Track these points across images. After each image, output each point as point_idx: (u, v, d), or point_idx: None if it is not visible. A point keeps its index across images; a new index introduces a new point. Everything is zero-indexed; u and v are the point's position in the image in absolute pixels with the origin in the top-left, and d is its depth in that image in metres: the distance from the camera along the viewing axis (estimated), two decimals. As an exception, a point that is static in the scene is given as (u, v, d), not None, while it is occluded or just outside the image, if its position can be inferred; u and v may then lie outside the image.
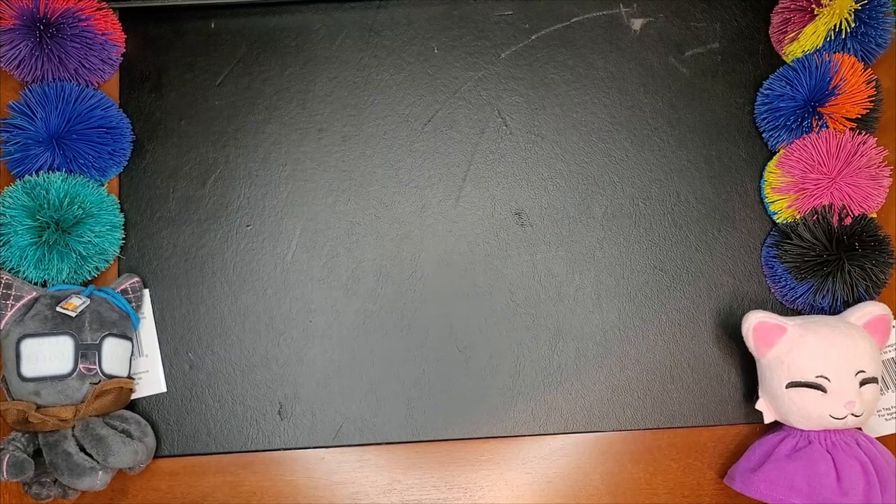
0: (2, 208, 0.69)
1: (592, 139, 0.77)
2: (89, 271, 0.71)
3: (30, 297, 0.66)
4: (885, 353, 0.72)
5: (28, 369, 0.64)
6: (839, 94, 0.73)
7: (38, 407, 0.64)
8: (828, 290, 0.71)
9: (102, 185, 0.73)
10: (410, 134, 0.77)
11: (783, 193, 0.74)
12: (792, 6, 0.76)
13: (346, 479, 0.71)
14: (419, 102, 0.77)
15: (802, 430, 0.67)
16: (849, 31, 0.74)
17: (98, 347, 0.65)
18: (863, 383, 0.65)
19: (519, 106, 0.77)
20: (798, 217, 0.73)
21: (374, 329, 0.73)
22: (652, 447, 0.72)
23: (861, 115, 0.73)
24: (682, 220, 0.76)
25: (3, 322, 0.65)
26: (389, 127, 0.77)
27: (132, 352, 0.70)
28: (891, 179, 0.73)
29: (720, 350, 0.73)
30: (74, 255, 0.69)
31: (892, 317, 0.70)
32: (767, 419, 0.69)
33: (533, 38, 0.79)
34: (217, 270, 0.74)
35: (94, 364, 0.65)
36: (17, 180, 0.70)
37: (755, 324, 0.67)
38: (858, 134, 0.73)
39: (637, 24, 0.79)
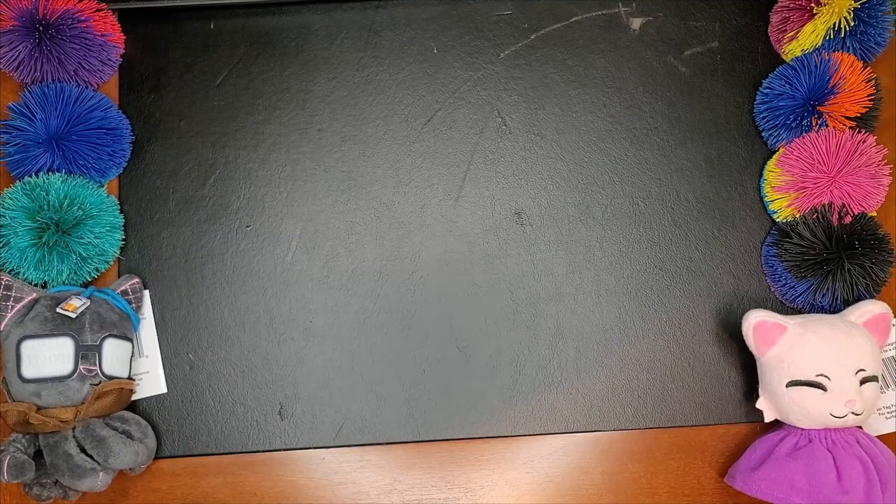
0: (2, 210, 0.69)
1: (592, 139, 0.77)
2: (89, 272, 0.71)
3: (30, 298, 0.66)
4: (886, 351, 0.72)
5: (28, 371, 0.64)
6: (839, 93, 0.73)
7: (39, 408, 0.64)
8: (828, 289, 0.71)
9: (102, 187, 0.73)
10: (410, 134, 0.77)
11: (783, 192, 0.74)
12: (791, 5, 0.76)
13: (347, 480, 0.71)
14: (419, 102, 0.77)
15: (803, 429, 0.67)
16: (848, 29, 0.74)
17: (98, 348, 0.65)
18: (863, 382, 0.65)
19: (518, 105, 0.77)
20: (798, 216, 0.73)
21: (374, 329, 0.73)
22: (652, 446, 0.72)
23: (861, 113, 0.73)
24: (681, 219, 0.76)
25: (4, 324, 0.65)
26: (389, 127, 0.77)
27: (132, 353, 0.70)
28: (890, 178, 0.73)
29: (720, 349, 0.73)
30: (74, 257, 0.69)
31: (893, 315, 0.70)
32: (768, 418, 0.69)
33: (532, 37, 0.79)
34: (217, 271, 0.74)
35: (95, 365, 0.65)
36: (17, 182, 0.70)
37: (755, 323, 0.67)
38: (858, 133, 0.73)
39: (636, 23, 0.79)
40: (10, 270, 0.69)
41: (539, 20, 0.79)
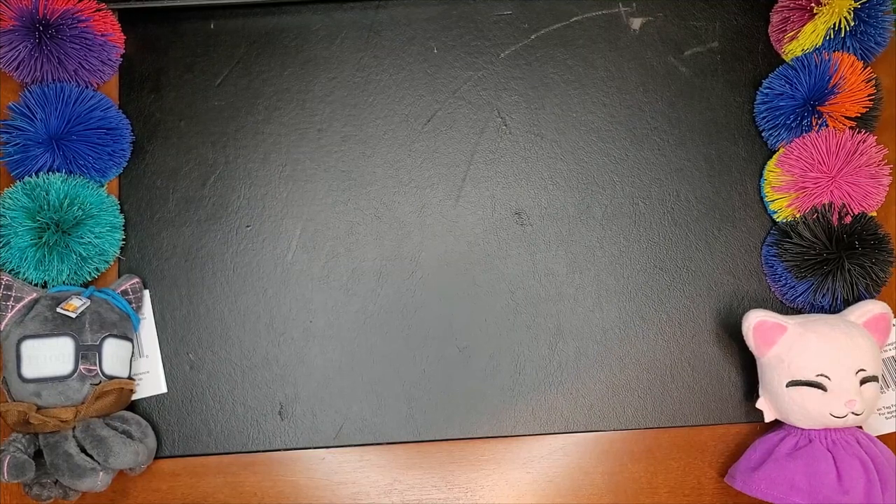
0: (2, 210, 0.69)
1: (592, 139, 0.77)
2: (89, 272, 0.71)
3: (30, 298, 0.66)
4: (886, 351, 0.72)
5: (29, 370, 0.64)
6: (839, 93, 0.73)
7: (39, 408, 0.64)
8: (828, 289, 0.71)
9: (102, 187, 0.73)
10: (410, 134, 0.77)
11: (783, 192, 0.74)
12: (791, 5, 0.76)
13: (347, 480, 0.71)
14: (419, 102, 0.77)
15: (803, 429, 0.67)
16: (848, 29, 0.74)
17: (98, 348, 0.65)
18: (863, 382, 0.65)
19: (518, 105, 0.77)
20: (798, 216, 0.73)
21: (374, 329, 0.73)
22: (653, 446, 0.72)
23: (861, 113, 0.73)
24: (681, 219, 0.76)
25: (4, 323, 0.65)
26: (389, 127, 0.77)
27: (132, 353, 0.70)
28: (890, 178, 0.73)
29: (720, 349, 0.73)
30: (75, 257, 0.69)
31: (893, 315, 0.70)
32: (768, 418, 0.69)
33: (532, 37, 0.79)
34: (217, 271, 0.74)
35: (95, 365, 0.65)
36: (17, 182, 0.70)
37: (755, 323, 0.67)
38: (858, 133, 0.73)
39: (636, 23, 0.79)
40: (10, 270, 0.69)
41: (539, 20, 0.79)
